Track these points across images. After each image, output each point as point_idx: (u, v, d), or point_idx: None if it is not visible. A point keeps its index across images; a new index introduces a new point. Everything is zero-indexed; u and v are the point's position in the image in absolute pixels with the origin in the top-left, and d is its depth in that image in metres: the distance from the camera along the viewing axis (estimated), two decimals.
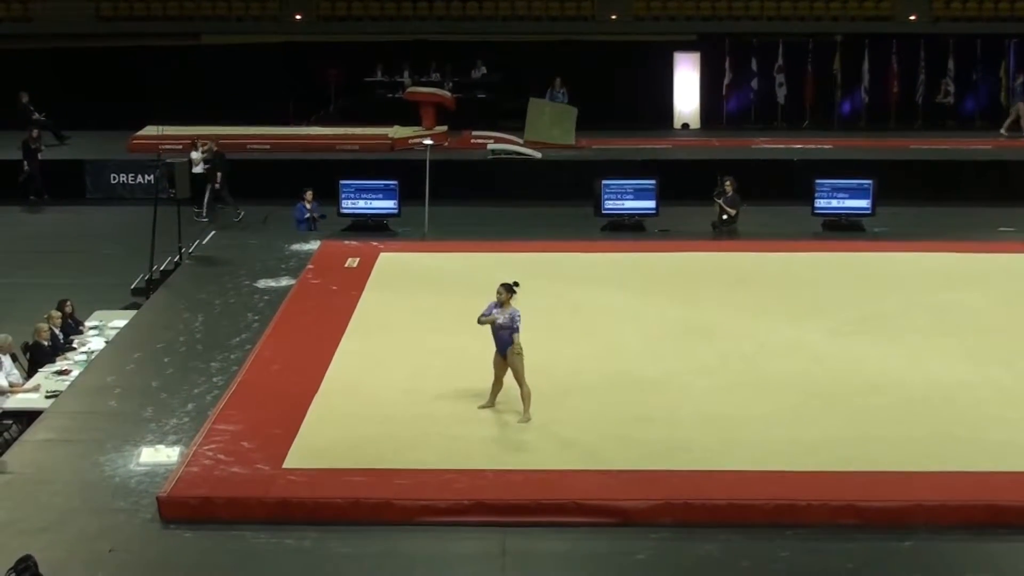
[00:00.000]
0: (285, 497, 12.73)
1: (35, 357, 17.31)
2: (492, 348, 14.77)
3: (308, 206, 24.37)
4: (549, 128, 31.31)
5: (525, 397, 14.68)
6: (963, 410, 15.05)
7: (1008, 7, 35.97)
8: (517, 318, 14.60)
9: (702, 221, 24.53)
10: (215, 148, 27.92)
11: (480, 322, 14.74)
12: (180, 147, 28.34)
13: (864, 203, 24.67)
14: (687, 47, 35.96)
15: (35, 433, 14.55)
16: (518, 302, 14.80)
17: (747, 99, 36.10)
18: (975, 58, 35.48)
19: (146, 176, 28.54)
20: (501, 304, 14.67)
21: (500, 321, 14.60)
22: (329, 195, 24.96)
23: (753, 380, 16.06)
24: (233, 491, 12.82)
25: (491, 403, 14.92)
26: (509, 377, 14.75)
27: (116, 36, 34.82)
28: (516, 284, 14.82)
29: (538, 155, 30.43)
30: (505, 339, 14.60)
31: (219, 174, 27.58)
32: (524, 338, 14.67)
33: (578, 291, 19.93)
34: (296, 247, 22.77)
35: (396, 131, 31.97)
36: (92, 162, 30.05)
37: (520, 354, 14.60)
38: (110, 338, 18.04)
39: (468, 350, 15.73)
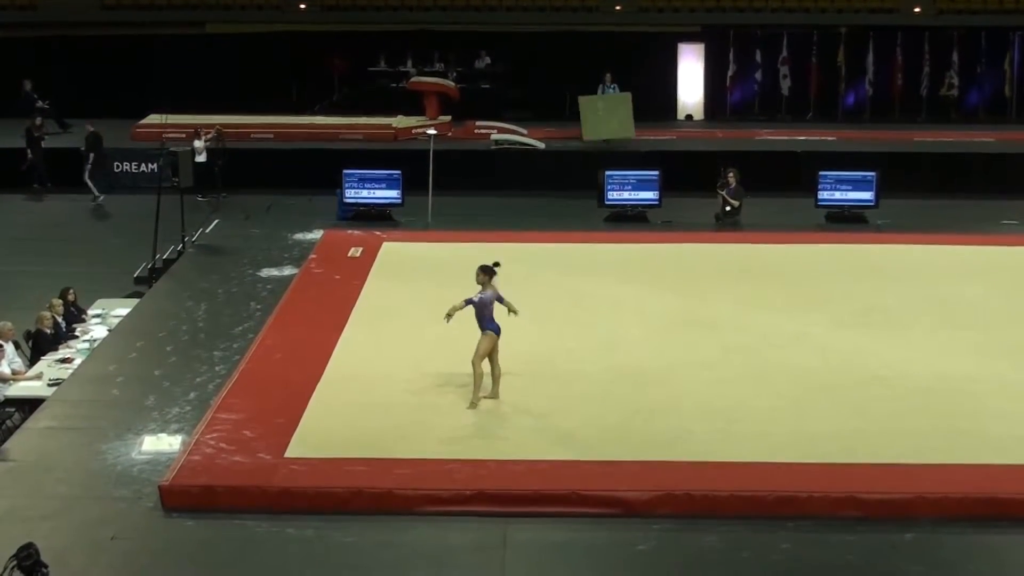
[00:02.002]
0: (287, 486, 12.75)
1: (37, 345, 17.33)
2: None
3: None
4: (607, 122, 30.80)
5: (477, 376, 14.75)
6: (965, 403, 15.06)
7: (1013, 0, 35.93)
8: (485, 297, 14.64)
9: (705, 212, 24.52)
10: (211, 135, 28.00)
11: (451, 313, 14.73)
12: (184, 135, 28.30)
13: (867, 195, 24.70)
14: (691, 38, 35.89)
15: (37, 421, 14.58)
16: (517, 288, 14.83)
17: (751, 91, 36.02)
18: (979, 51, 35.41)
19: (149, 165, 28.53)
20: (482, 286, 14.70)
21: (472, 299, 14.64)
22: (332, 184, 25.00)
23: (755, 372, 16.07)
24: (235, 480, 12.84)
25: (495, 393, 14.93)
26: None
27: (120, 24, 34.78)
28: (497, 264, 14.82)
29: (541, 146, 30.38)
30: (477, 318, 14.66)
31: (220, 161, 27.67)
32: (526, 327, 14.67)
33: (580, 282, 19.94)
34: (299, 236, 22.79)
35: (400, 121, 31.92)
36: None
37: (489, 342, 14.72)
38: (113, 326, 18.06)
39: (471, 340, 15.70)
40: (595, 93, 31.76)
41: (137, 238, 22.68)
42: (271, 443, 13.63)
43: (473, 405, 14.63)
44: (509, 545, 11.97)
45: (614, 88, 32.11)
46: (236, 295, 19.45)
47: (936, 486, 12.74)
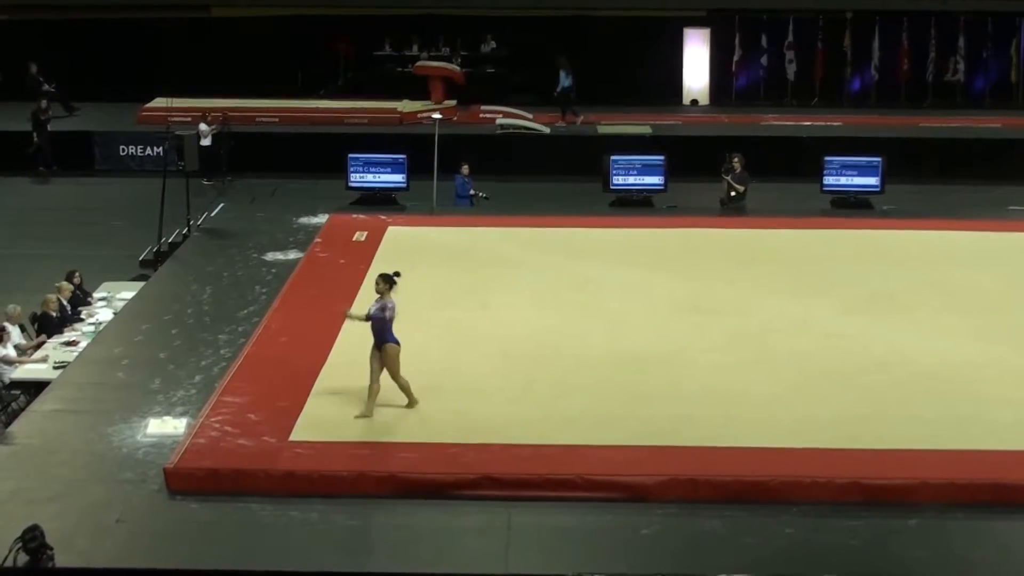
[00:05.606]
0: (291, 469, 12.77)
1: (43, 328, 17.37)
2: (500, 324, 14.76)
3: (468, 180, 24.33)
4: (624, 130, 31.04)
5: (404, 388, 14.08)
6: (970, 388, 15.04)
7: None
8: (389, 308, 13.83)
9: (710, 197, 24.48)
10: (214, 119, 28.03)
11: (351, 317, 14.30)
12: (189, 119, 28.31)
13: (873, 180, 24.63)
14: (697, 23, 35.81)
15: (43, 403, 14.61)
16: (522, 273, 14.79)
17: (756, 76, 35.91)
18: (986, 36, 35.32)
19: (155, 148, 28.55)
20: (380, 295, 13.96)
21: (371, 312, 13.92)
22: (337, 168, 24.99)
23: (760, 357, 16.06)
24: (240, 463, 12.87)
25: (369, 411, 13.99)
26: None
27: (126, 8, 34.75)
28: (397, 274, 14.09)
29: (546, 130, 30.37)
30: (378, 331, 13.90)
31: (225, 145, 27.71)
32: (530, 312, 14.63)
33: (585, 267, 19.91)
34: (304, 220, 22.78)
35: (405, 105, 31.92)
36: (101, 134, 30.03)
37: (395, 354, 13.92)
38: (118, 309, 18.09)
39: (475, 324, 15.74)
40: (569, 83, 31.52)
41: (142, 221, 22.69)
42: (276, 426, 13.65)
43: (365, 415, 13.94)
44: (513, 529, 12.00)
45: (566, 74, 31.43)
46: (241, 279, 19.45)
47: (940, 472, 12.75)
